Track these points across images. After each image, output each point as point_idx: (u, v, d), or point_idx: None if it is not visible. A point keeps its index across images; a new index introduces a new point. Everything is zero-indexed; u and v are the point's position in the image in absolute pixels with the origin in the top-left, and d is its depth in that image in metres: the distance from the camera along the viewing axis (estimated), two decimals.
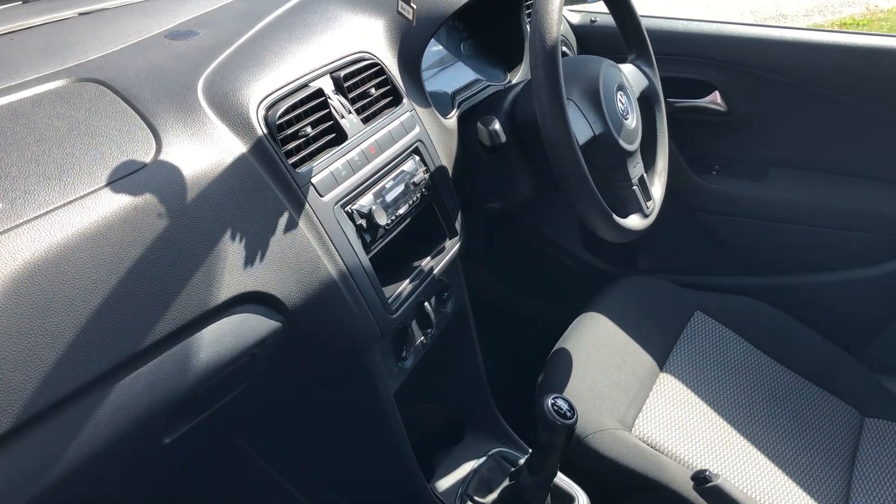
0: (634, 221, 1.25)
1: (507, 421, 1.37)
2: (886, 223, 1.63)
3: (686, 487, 1.09)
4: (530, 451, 1.13)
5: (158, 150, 0.81)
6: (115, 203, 0.74)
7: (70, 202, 0.71)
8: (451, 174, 1.22)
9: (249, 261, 0.84)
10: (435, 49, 1.43)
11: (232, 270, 0.82)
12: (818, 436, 1.29)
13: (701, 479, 1.01)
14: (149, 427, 0.77)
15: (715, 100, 1.70)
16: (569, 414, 1.02)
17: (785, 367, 1.41)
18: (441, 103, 1.29)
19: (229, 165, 0.85)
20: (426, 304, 1.20)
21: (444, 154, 1.21)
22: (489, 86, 1.43)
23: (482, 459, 1.27)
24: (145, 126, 0.83)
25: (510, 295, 1.96)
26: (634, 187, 1.27)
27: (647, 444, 1.19)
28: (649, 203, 1.31)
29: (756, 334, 1.44)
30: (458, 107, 1.32)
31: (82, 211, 0.71)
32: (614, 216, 1.17)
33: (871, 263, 1.66)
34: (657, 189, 1.37)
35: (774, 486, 1.18)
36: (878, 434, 1.31)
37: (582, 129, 1.19)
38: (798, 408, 1.34)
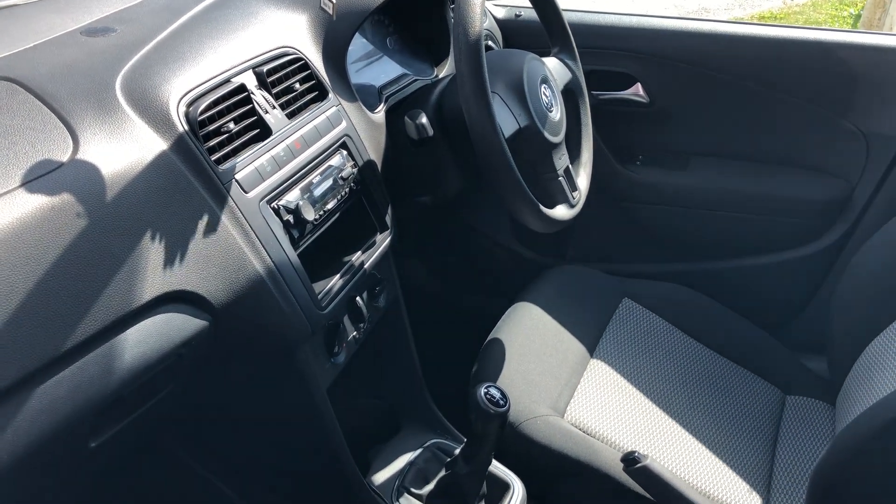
0: (561, 212, 1.27)
1: (443, 412, 1.38)
2: (803, 207, 1.69)
3: (617, 469, 1.11)
4: (466, 441, 1.14)
5: (76, 149, 0.79)
6: (31, 203, 0.72)
7: None
8: (379, 168, 1.22)
9: (173, 259, 0.83)
10: (361, 44, 1.42)
11: (155, 270, 0.81)
12: (743, 414, 1.34)
13: (630, 461, 1.04)
14: (73, 432, 0.75)
15: (637, 91, 1.74)
16: (501, 402, 1.04)
17: (710, 350, 1.45)
18: (368, 98, 1.29)
19: (150, 163, 0.84)
20: (358, 298, 1.19)
21: (373, 148, 1.21)
22: (416, 80, 1.43)
23: (418, 451, 1.27)
24: (61, 124, 0.81)
25: (443, 287, 1.97)
26: (560, 178, 1.30)
27: (580, 429, 1.21)
28: (575, 193, 1.34)
29: (682, 318, 1.48)
30: (386, 101, 1.32)
31: None
32: (541, 207, 1.19)
33: (789, 247, 1.73)
34: (583, 180, 1.39)
35: (701, 464, 1.22)
36: (799, 410, 1.36)
37: (507, 122, 1.20)
38: (723, 388, 1.38)
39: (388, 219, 1.22)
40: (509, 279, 1.78)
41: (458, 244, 1.96)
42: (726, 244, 1.77)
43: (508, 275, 1.93)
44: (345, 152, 1.14)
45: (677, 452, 1.23)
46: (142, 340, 0.80)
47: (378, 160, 1.22)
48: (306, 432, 1.13)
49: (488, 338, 1.36)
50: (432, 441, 1.30)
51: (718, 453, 1.25)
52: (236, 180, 0.92)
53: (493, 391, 1.05)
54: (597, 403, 1.28)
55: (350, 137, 1.15)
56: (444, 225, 1.91)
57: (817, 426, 1.33)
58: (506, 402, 1.04)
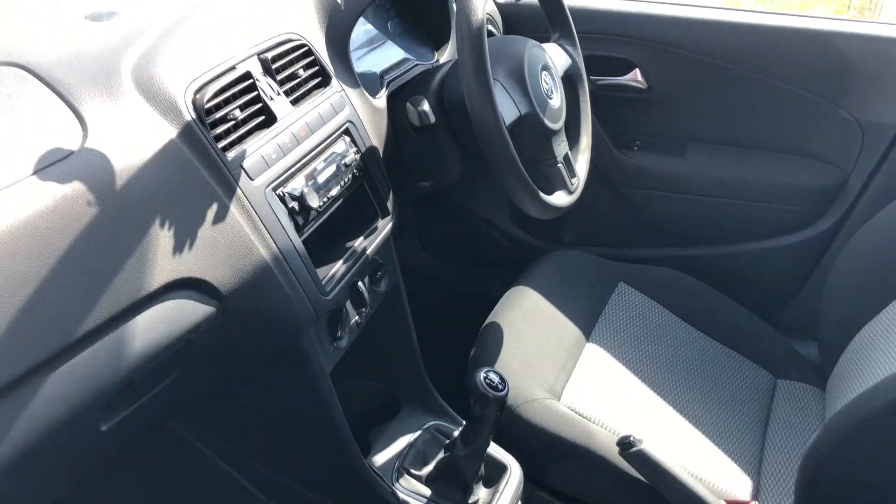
0: (560, 198, 1.28)
1: (441, 395, 1.40)
2: (798, 194, 1.71)
3: (612, 453, 1.14)
4: (464, 423, 1.16)
5: (85, 137, 0.80)
6: (43, 192, 0.72)
7: None
8: (381, 154, 1.23)
9: (182, 247, 0.84)
10: (363, 28, 1.42)
11: (164, 257, 0.82)
12: (735, 398, 1.37)
13: (626, 445, 1.06)
14: (86, 415, 0.76)
15: (635, 77, 1.75)
16: (500, 386, 1.06)
17: (704, 334, 1.47)
18: (370, 83, 1.29)
19: (158, 151, 0.84)
20: (360, 283, 1.21)
21: (375, 134, 1.22)
22: (417, 65, 1.44)
23: (417, 433, 1.29)
24: (70, 112, 0.82)
25: (443, 271, 1.99)
26: (559, 165, 1.31)
27: (575, 413, 1.24)
28: (574, 180, 1.35)
29: (676, 303, 1.50)
30: (387, 86, 1.32)
31: (8, 202, 0.70)
32: (540, 193, 1.20)
33: (782, 234, 1.75)
34: (581, 166, 1.40)
35: (694, 448, 1.24)
36: (790, 395, 1.39)
37: (508, 109, 1.21)
38: (716, 372, 1.41)
39: (389, 204, 1.23)
40: (507, 263, 1.79)
41: (456, 228, 1.97)
42: (721, 230, 1.79)
43: (506, 259, 1.95)
44: (348, 138, 1.14)
45: (671, 436, 1.25)
46: (151, 327, 0.81)
47: (380, 146, 1.23)
48: (310, 415, 1.15)
49: (486, 321, 1.37)
50: (431, 423, 1.32)
51: (711, 437, 1.27)
52: (243, 167, 0.93)
53: (493, 375, 1.07)
54: (593, 387, 1.30)
55: (353, 124, 1.16)
56: (445, 209, 1.93)
57: (807, 410, 1.36)
58: (504, 387, 1.06)
